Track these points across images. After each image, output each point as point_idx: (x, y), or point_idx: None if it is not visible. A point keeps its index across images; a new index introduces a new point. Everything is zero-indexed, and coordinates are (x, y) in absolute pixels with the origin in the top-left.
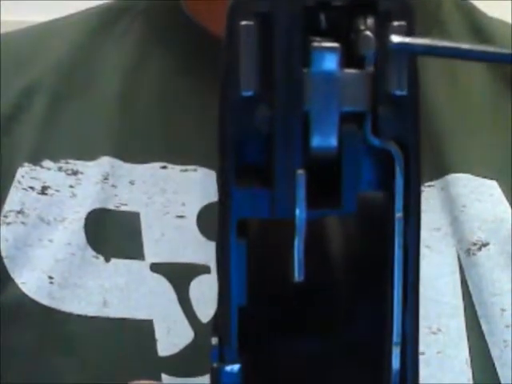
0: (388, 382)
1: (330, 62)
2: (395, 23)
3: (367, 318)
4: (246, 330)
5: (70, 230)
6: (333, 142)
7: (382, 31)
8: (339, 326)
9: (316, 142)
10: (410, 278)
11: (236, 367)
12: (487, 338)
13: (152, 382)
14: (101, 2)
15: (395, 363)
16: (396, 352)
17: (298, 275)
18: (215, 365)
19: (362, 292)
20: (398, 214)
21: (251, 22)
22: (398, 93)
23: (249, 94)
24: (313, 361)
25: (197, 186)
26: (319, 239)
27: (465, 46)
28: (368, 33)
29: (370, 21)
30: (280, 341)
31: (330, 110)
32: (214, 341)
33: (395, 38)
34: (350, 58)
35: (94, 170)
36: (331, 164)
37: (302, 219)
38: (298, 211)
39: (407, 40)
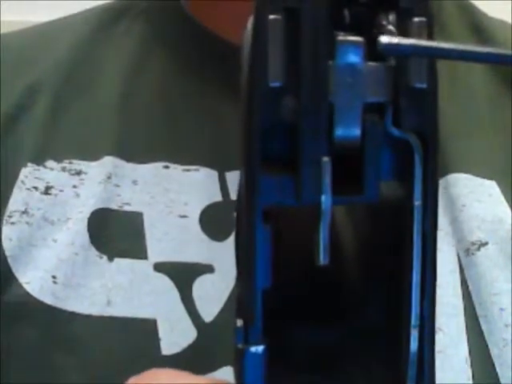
0: (406, 365)
1: (354, 56)
2: (416, 19)
3: (386, 301)
4: (267, 312)
5: (74, 229)
6: (356, 131)
7: (403, 26)
8: (358, 310)
9: (340, 131)
10: (428, 263)
11: (260, 348)
12: (486, 337)
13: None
14: (101, 2)
15: (413, 346)
16: (414, 334)
17: (323, 259)
18: (240, 346)
19: (382, 277)
20: (417, 202)
21: (279, 16)
22: (418, 85)
23: (276, 84)
24: (331, 343)
25: (199, 185)
26: (340, 225)
27: (458, 46)
28: (390, 27)
29: (392, 16)
30: (300, 323)
31: (353, 101)
32: (239, 323)
33: (384, 39)
34: (372, 51)
35: (97, 170)
36: (354, 153)
37: (328, 205)
38: (323, 197)
39: (396, 40)
